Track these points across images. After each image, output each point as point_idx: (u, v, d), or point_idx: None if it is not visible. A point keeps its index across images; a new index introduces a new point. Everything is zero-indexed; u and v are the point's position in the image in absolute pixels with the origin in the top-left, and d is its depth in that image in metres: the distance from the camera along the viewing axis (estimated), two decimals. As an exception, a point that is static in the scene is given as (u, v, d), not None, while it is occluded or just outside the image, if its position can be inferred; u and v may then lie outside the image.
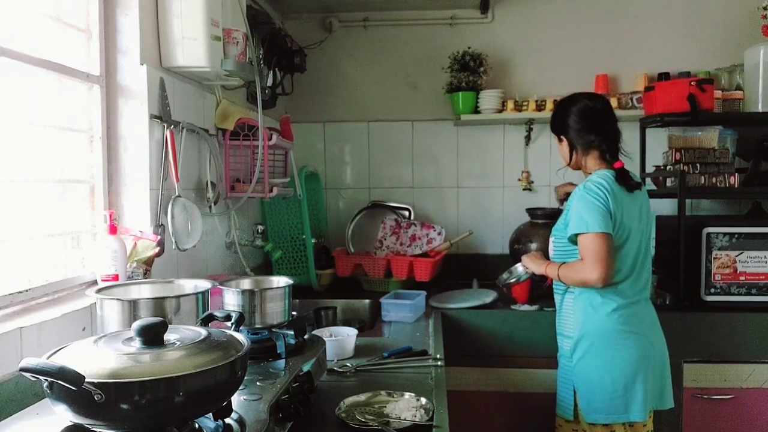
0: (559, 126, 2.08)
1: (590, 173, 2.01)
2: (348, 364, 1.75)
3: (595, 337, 1.93)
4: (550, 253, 2.13)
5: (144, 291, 1.41)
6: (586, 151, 2.02)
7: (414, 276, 2.87)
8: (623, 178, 1.94)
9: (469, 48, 3.08)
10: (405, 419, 1.33)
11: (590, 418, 1.93)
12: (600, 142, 1.99)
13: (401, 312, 2.37)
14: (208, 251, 2.24)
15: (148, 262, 1.71)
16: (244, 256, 2.49)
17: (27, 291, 1.45)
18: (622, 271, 1.92)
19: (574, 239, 1.93)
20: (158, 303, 1.26)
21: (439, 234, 3.00)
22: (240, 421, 1.07)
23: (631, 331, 1.92)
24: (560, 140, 2.09)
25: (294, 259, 2.85)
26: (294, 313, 1.65)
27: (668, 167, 2.78)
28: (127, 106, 1.80)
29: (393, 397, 1.47)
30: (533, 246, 2.91)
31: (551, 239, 2.12)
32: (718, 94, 2.82)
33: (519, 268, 2.25)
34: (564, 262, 2.00)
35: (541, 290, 2.56)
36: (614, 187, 1.91)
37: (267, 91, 2.74)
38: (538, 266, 2.12)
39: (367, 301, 2.75)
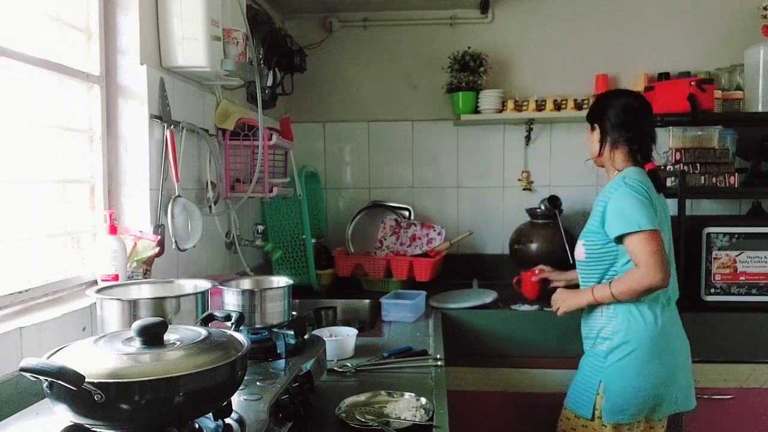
0: (597, 115, 2.04)
1: (619, 170, 1.98)
2: (348, 364, 1.75)
3: (640, 343, 1.85)
4: (580, 257, 2.01)
5: (144, 291, 1.41)
6: (616, 146, 1.99)
7: (414, 276, 2.87)
8: (656, 178, 1.94)
9: (469, 48, 3.08)
10: (405, 419, 1.33)
11: (612, 418, 1.87)
12: (632, 140, 1.97)
13: (401, 312, 2.37)
14: (208, 251, 2.24)
15: (148, 262, 1.71)
16: (244, 256, 2.49)
17: (27, 291, 1.45)
18: None
19: (619, 240, 1.85)
20: (158, 303, 1.26)
21: (439, 234, 3.00)
22: (240, 421, 1.07)
23: (672, 336, 1.91)
24: (593, 129, 2.06)
25: (294, 259, 2.85)
26: (294, 313, 1.65)
27: (668, 167, 2.78)
28: (127, 106, 1.80)
29: (393, 397, 1.47)
30: (533, 246, 2.91)
31: (581, 243, 2.01)
32: (718, 94, 2.82)
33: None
34: (611, 281, 1.88)
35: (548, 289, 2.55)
36: (650, 185, 1.91)
37: (267, 91, 2.74)
38: (579, 300, 1.98)
39: (367, 301, 2.75)
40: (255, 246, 2.58)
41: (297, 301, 2.63)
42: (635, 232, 1.79)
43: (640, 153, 1.98)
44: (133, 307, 1.24)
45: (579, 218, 3.18)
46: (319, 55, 3.24)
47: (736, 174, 2.68)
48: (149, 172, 1.81)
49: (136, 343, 0.94)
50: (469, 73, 3.04)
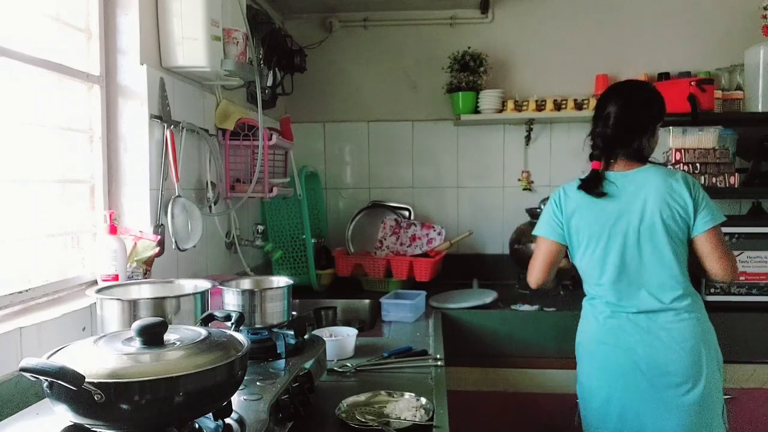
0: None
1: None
2: (348, 364, 1.75)
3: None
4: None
5: (144, 291, 1.41)
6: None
7: (414, 276, 2.87)
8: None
9: (469, 48, 3.08)
10: (405, 419, 1.33)
11: None
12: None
13: (401, 312, 2.37)
14: (208, 251, 2.24)
15: (148, 262, 1.71)
16: (244, 256, 2.49)
17: (27, 291, 1.45)
18: None
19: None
20: (158, 303, 1.26)
21: (439, 234, 3.00)
22: (240, 421, 1.07)
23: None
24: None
25: (294, 259, 2.85)
26: (294, 313, 1.65)
27: (668, 167, 2.78)
28: (127, 106, 1.80)
29: (393, 397, 1.47)
30: (533, 246, 2.91)
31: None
32: (718, 94, 2.82)
33: None
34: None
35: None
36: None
37: (267, 91, 2.74)
38: None
39: (367, 301, 2.75)
40: (255, 246, 2.58)
41: (297, 301, 2.63)
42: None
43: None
44: (133, 307, 1.24)
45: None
46: (319, 55, 3.24)
47: (736, 174, 2.68)
48: (149, 172, 1.81)
49: (136, 343, 0.94)
50: (469, 73, 3.04)
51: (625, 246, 1.81)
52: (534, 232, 2.00)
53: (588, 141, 1.93)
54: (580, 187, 1.87)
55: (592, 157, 1.90)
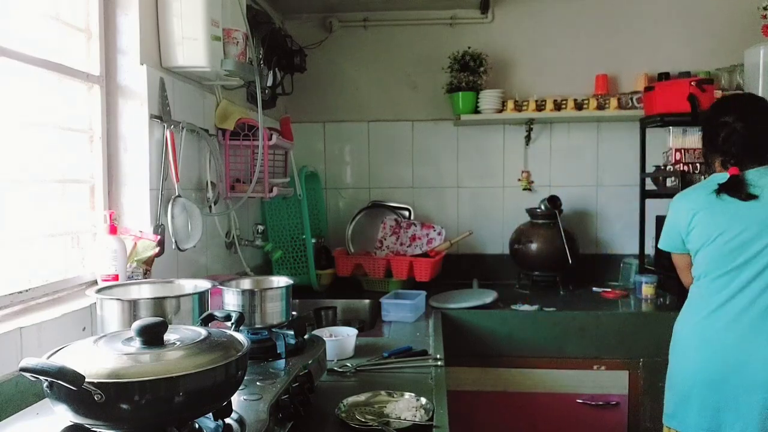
0: None
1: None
2: (348, 364, 1.75)
3: None
4: None
5: (144, 291, 1.41)
6: None
7: (414, 276, 2.87)
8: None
9: (469, 48, 3.08)
10: (405, 419, 1.33)
11: None
12: None
13: (401, 312, 2.37)
14: (208, 251, 2.24)
15: (148, 262, 1.70)
16: (244, 256, 2.49)
17: (27, 291, 1.45)
18: None
19: None
20: (158, 303, 1.26)
21: (439, 234, 3.00)
22: (240, 421, 1.07)
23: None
24: None
25: (294, 259, 2.85)
26: (294, 313, 1.65)
27: (668, 167, 2.78)
28: (127, 106, 1.80)
29: (393, 397, 1.47)
30: (533, 246, 2.92)
31: None
32: (718, 94, 2.81)
33: None
34: None
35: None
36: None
37: (267, 91, 2.74)
38: None
39: (367, 301, 2.75)
40: (255, 246, 2.59)
41: (297, 301, 2.63)
42: None
43: None
44: (133, 307, 1.24)
45: (579, 218, 3.19)
46: (319, 55, 3.24)
47: (736, 174, 2.67)
48: (149, 172, 1.81)
49: (136, 343, 0.94)
50: (469, 73, 3.04)
51: None
52: (660, 246, 2.07)
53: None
54: (721, 192, 1.86)
55: (727, 165, 1.91)
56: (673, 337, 1.96)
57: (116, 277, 1.58)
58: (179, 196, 1.90)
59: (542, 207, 2.96)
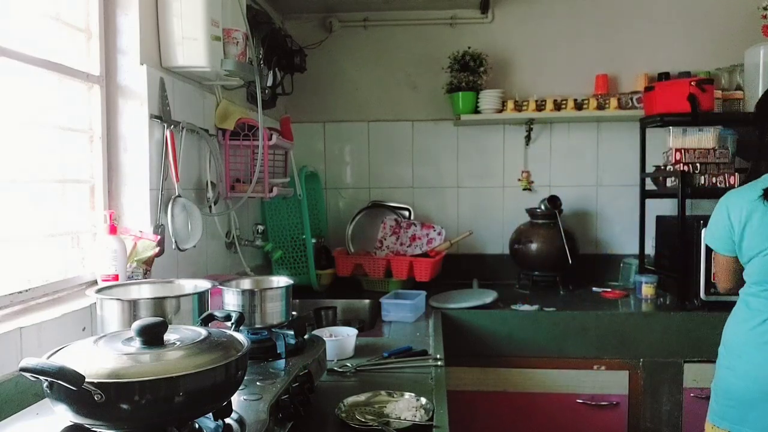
0: None
1: None
2: (348, 364, 1.75)
3: None
4: None
5: (144, 291, 1.41)
6: None
7: (414, 276, 2.87)
8: None
9: (469, 48, 3.08)
10: (405, 419, 1.33)
11: None
12: None
13: (401, 312, 2.37)
14: (208, 251, 2.24)
15: (148, 262, 1.70)
16: (244, 256, 2.49)
17: (27, 291, 1.45)
18: None
19: None
20: (158, 303, 1.26)
21: (439, 234, 3.00)
22: (240, 421, 1.07)
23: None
24: None
25: (294, 259, 2.85)
26: (294, 313, 1.65)
27: (668, 167, 2.78)
28: (127, 106, 1.80)
29: (393, 397, 1.47)
30: (533, 246, 2.92)
31: None
32: (718, 94, 2.82)
33: None
34: None
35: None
36: None
37: (267, 91, 2.74)
38: None
39: (367, 301, 2.75)
40: (255, 246, 2.59)
41: (297, 301, 2.63)
42: None
43: None
44: (133, 307, 1.24)
45: (579, 218, 3.20)
46: (319, 55, 3.24)
47: (736, 174, 2.68)
48: (149, 172, 1.81)
49: (136, 343, 0.94)
50: (469, 73, 3.04)
51: None
52: (707, 242, 2.01)
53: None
54: None
55: None
56: (725, 342, 1.92)
57: (116, 277, 1.58)
58: (179, 196, 1.90)
59: (542, 207, 2.97)
